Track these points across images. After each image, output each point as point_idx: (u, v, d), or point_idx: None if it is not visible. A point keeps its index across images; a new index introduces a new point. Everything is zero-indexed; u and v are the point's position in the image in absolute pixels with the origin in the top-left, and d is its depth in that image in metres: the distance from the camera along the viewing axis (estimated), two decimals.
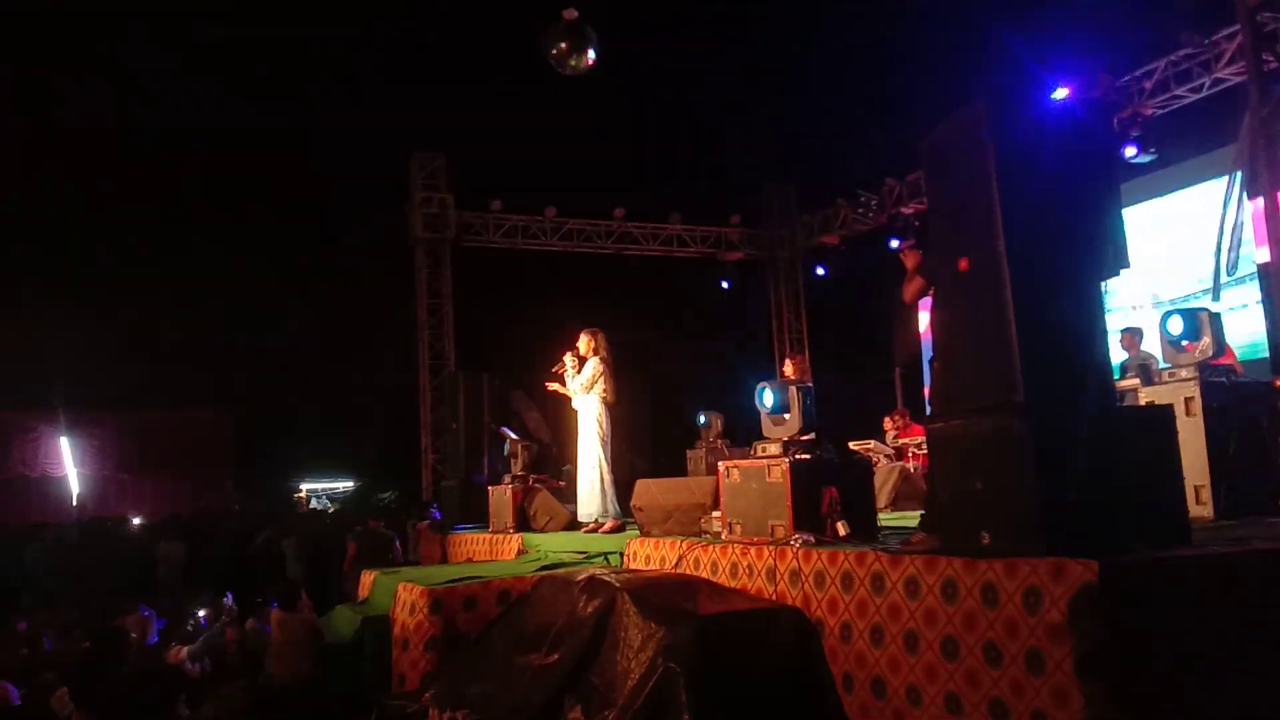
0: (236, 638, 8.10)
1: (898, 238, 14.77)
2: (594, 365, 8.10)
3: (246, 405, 22.32)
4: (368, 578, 7.93)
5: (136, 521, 17.51)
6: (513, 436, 10.31)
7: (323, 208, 18.31)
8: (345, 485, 23.97)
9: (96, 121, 17.26)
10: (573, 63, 8.89)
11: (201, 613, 9.18)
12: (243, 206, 19.09)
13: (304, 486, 23.87)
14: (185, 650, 7.56)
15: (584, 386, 8.11)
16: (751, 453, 6.09)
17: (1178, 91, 11.32)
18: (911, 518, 6.16)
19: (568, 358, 8.34)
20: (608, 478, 8.01)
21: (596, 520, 7.99)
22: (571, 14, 8.64)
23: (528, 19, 9.81)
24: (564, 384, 8.33)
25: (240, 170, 18.44)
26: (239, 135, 18.20)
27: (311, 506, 22.12)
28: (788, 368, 9.15)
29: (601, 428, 8.04)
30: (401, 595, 6.53)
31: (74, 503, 20.55)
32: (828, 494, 5.45)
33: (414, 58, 16.43)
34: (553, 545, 8.13)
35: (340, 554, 13.35)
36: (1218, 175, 11.77)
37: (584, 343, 8.25)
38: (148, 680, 7.04)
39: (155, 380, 20.67)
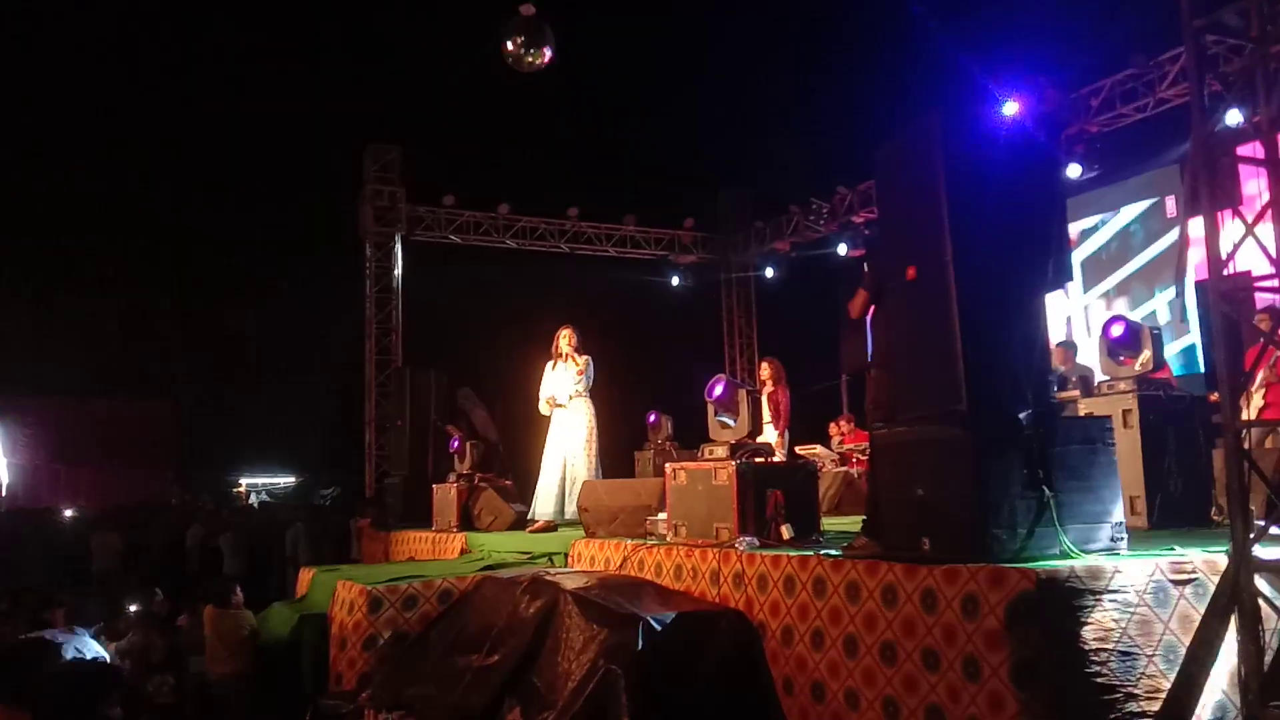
0: (153, 637, 7.89)
1: (848, 245, 14.94)
2: (587, 363, 8.10)
3: (187, 396, 21.89)
4: (306, 575, 7.79)
5: (69, 513, 17.07)
6: (459, 434, 10.21)
7: (272, 197, 18.01)
8: (286, 480, 23.58)
9: (39, 103, 16.80)
10: (529, 59, 8.83)
11: (133, 608, 8.95)
12: (190, 191, 18.71)
13: (244, 481, 23.43)
14: (114, 646, 7.36)
15: (587, 387, 8.13)
16: (699, 455, 6.10)
17: (1123, 110, 11.56)
18: (855, 522, 6.21)
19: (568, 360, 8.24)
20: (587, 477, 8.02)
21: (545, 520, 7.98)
22: (529, 10, 8.58)
23: (486, 13, 9.75)
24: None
25: (187, 154, 18.08)
26: (187, 119, 17.83)
27: (250, 501, 21.74)
28: (763, 371, 9.17)
29: (592, 426, 8.08)
30: (340, 593, 6.42)
31: (2, 493, 19.98)
32: (773, 498, 5.47)
33: (370, 48, 16.24)
34: (496, 545, 8.06)
35: (279, 550, 13.17)
36: (1159, 194, 12.11)
37: (569, 339, 8.22)
38: (79, 676, 6.84)
39: (93, 368, 20.19)
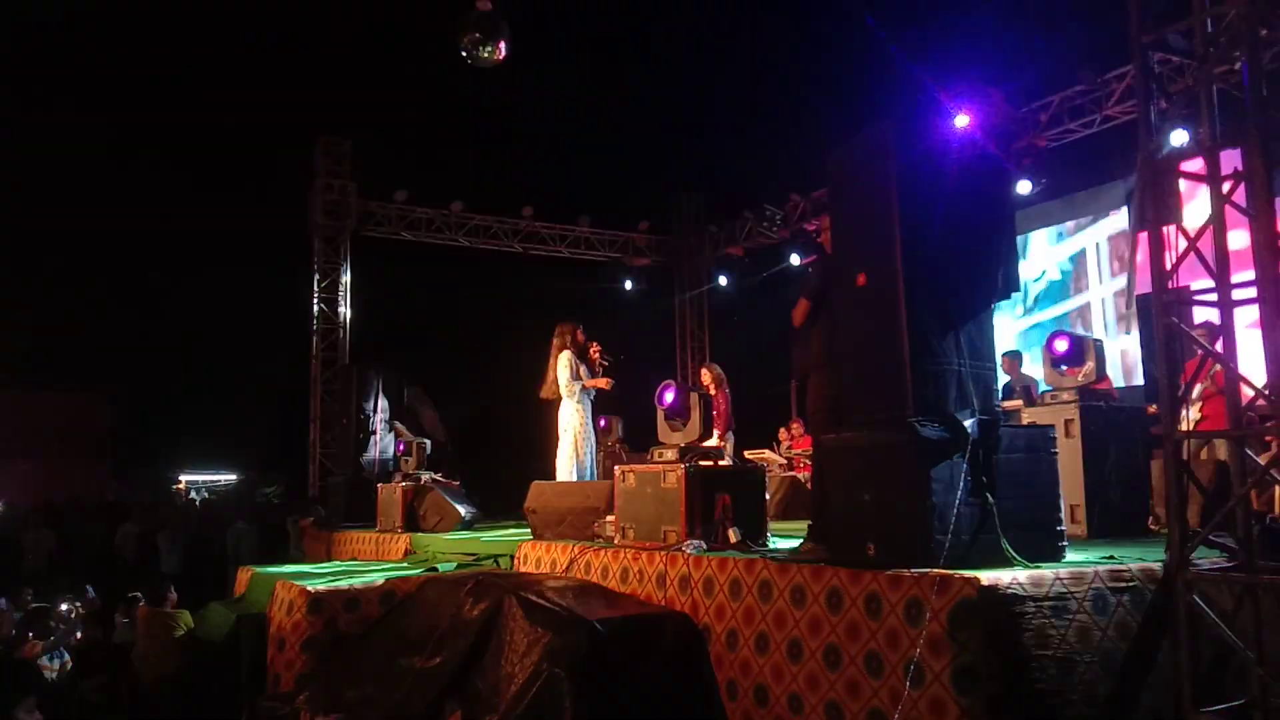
0: (91, 636, 7.69)
1: (800, 252, 15.04)
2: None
3: (126, 389, 21.35)
4: (245, 574, 7.64)
5: None
6: (407, 433, 10.10)
7: (218, 187, 17.65)
8: (227, 478, 23.12)
9: None
10: (485, 55, 8.76)
11: (63, 606, 8.71)
12: (131, 181, 18.24)
13: (183, 478, 22.93)
14: (41, 645, 7.15)
15: None
16: (648, 458, 6.08)
17: (1070, 126, 11.78)
18: (802, 527, 6.23)
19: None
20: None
21: None
22: (485, 5, 8.51)
23: (443, 6, 9.65)
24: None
25: (129, 142, 17.65)
26: (129, 106, 17.42)
27: (191, 499, 21.29)
28: (705, 377, 9.16)
29: None
30: (279, 594, 6.30)
31: None
32: (721, 501, 5.47)
33: (326, 40, 15.99)
34: (442, 546, 7.98)
35: (218, 549, 12.92)
36: (1105, 209, 12.36)
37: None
38: None
39: (29, 359, 19.61)
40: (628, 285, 17.69)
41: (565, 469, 7.90)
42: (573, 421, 7.95)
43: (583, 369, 8.05)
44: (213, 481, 23.49)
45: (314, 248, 15.57)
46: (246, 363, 19.15)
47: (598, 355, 8.21)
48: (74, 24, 15.72)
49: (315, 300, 15.38)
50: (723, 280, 17.51)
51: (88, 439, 21.59)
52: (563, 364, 7.99)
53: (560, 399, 8.01)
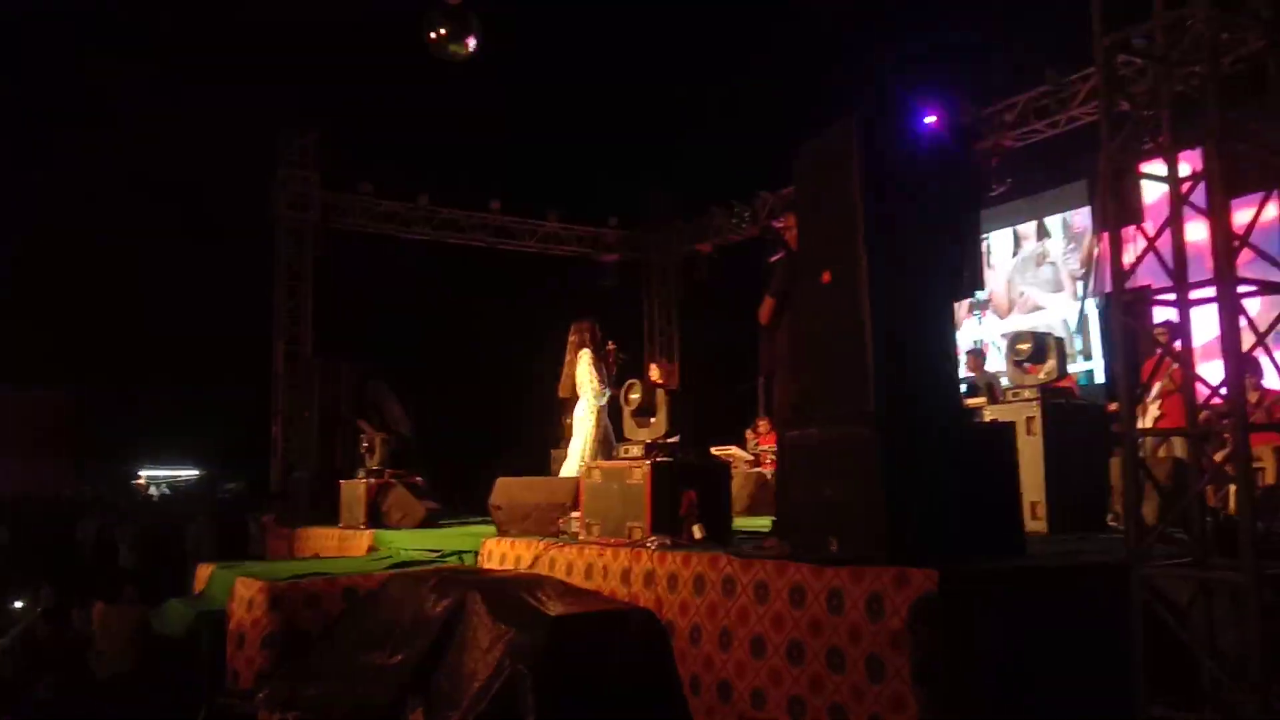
0: (49, 633, 7.55)
1: (767, 249, 15.07)
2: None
3: (84, 383, 20.96)
4: (204, 570, 7.54)
5: None
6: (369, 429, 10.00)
7: (177, 178, 17.37)
8: (188, 473, 22.81)
9: None
10: (453, 49, 8.71)
11: (18, 603, 8.54)
12: (89, 170, 17.91)
13: (143, 473, 22.58)
14: None
15: None
16: (614, 454, 6.07)
17: (1036, 125, 11.90)
18: (768, 523, 6.25)
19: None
20: None
21: None
22: None
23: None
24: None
25: (89, 132, 17.32)
26: (89, 96, 17.12)
27: (150, 494, 20.97)
28: (653, 372, 9.14)
29: None
30: (239, 590, 6.21)
31: None
32: (686, 497, 5.47)
33: (290, 30, 15.76)
34: (405, 543, 7.92)
35: (179, 544, 12.75)
36: (1069, 208, 12.51)
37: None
38: None
39: None
40: (596, 280, 17.64)
41: (573, 469, 7.76)
42: (586, 423, 7.84)
43: (602, 369, 7.94)
44: (173, 477, 23.17)
45: (277, 240, 15.39)
46: (208, 357, 18.89)
47: (613, 352, 8.11)
48: (35, 12, 15.43)
49: (278, 293, 15.21)
50: (691, 276, 17.53)
51: (46, 434, 21.19)
52: (585, 364, 7.85)
53: (577, 397, 7.91)
